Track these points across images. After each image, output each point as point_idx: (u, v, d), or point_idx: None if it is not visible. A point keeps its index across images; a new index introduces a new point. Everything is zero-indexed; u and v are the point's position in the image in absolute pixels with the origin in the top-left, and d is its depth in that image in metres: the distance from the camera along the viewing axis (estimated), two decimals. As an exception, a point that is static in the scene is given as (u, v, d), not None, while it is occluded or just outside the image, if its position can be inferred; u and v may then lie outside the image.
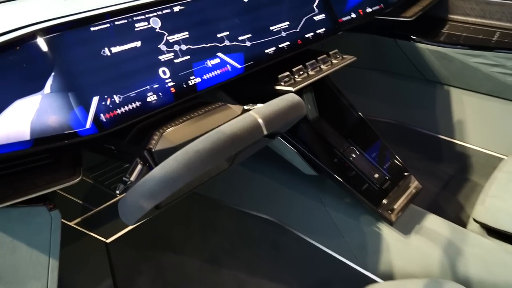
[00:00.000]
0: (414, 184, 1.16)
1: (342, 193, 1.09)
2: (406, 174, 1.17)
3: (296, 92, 0.93)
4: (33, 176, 0.64)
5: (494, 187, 1.10)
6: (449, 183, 1.56)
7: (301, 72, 1.02)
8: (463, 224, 1.07)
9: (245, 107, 0.85)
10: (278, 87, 0.98)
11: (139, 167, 0.68)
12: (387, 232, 1.03)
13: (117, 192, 0.68)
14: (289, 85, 0.98)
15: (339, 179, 1.04)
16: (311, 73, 1.04)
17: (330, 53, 1.11)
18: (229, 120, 0.65)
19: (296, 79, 1.01)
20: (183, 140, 0.73)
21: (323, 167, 1.05)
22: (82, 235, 1.14)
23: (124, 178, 0.67)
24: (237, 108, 0.87)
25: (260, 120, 0.65)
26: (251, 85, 1.00)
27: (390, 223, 1.03)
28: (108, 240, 1.19)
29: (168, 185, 0.56)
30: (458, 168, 1.60)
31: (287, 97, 0.74)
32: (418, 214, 1.08)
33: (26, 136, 0.58)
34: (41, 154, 0.65)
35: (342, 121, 1.21)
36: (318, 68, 1.06)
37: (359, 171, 1.09)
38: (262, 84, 1.01)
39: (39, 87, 0.61)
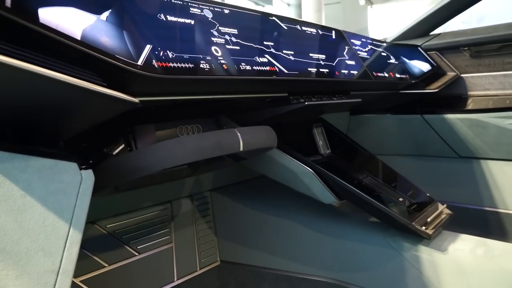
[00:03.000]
0: (443, 210, 1.07)
1: (411, 234, 0.92)
2: (432, 201, 1.08)
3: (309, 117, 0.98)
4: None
5: None
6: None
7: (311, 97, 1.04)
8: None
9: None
10: (290, 105, 0.98)
11: (122, 145, 0.76)
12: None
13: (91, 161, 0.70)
14: (298, 104, 0.98)
15: (366, 196, 0.94)
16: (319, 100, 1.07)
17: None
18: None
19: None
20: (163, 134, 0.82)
21: (345, 188, 0.96)
22: (89, 298, 0.90)
23: (104, 150, 0.73)
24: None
25: (240, 138, 0.77)
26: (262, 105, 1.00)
27: (428, 237, 0.90)
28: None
29: (153, 164, 0.65)
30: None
31: (266, 128, 0.87)
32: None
33: (76, 35, 0.51)
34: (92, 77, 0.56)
35: (355, 159, 1.19)
36: (326, 98, 1.09)
37: (382, 193, 1.01)
38: (272, 106, 1.00)
39: (96, 12, 0.57)
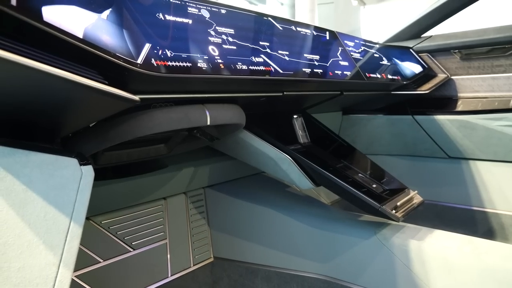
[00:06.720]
0: (415, 196, 1.11)
1: (404, 230, 0.95)
2: (404, 188, 1.13)
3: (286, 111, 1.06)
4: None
5: None
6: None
7: None
8: None
9: None
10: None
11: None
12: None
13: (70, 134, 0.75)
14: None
15: (340, 181, 0.99)
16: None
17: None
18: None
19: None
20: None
21: (320, 173, 1.01)
22: (84, 293, 0.91)
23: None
24: None
25: (207, 112, 0.82)
26: None
27: (397, 220, 0.95)
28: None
29: (126, 133, 0.71)
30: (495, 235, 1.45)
31: (234, 105, 0.90)
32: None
33: (78, 34, 0.52)
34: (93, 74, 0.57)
35: (333, 149, 1.24)
36: None
37: (356, 179, 1.06)
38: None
39: (97, 11, 0.58)
